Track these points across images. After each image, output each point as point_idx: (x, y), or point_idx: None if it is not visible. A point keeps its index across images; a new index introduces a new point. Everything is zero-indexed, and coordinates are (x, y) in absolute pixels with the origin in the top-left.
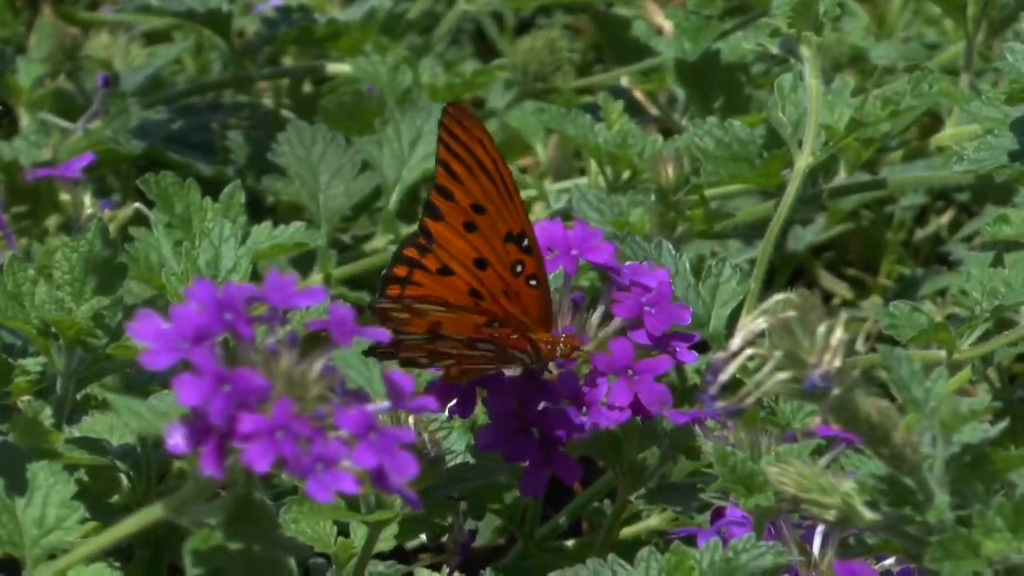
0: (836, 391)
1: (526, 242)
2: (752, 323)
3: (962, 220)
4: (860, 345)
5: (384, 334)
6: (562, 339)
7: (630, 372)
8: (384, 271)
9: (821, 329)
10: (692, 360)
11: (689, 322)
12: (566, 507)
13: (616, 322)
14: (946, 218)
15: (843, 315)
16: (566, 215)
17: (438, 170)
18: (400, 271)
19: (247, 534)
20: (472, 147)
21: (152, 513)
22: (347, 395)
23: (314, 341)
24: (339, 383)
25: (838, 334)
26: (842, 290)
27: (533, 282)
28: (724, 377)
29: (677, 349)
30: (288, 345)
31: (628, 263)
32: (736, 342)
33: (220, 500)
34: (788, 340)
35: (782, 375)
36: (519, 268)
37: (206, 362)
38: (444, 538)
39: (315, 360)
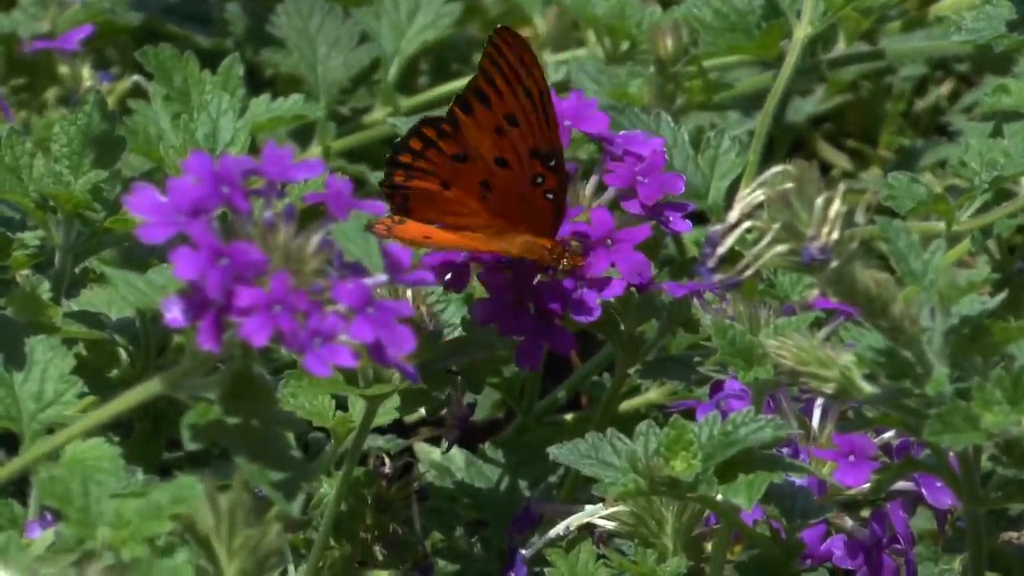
0: (834, 263)
1: (553, 162)
2: (750, 195)
3: (961, 90)
4: (860, 217)
5: (382, 207)
6: (567, 252)
7: (608, 242)
8: (397, 139)
9: (819, 201)
10: (685, 229)
11: (683, 191)
12: (565, 381)
13: (609, 192)
14: (946, 88)
15: (841, 187)
16: (564, 87)
17: (479, 76)
18: (415, 144)
19: (245, 408)
20: (519, 71)
21: (150, 388)
22: (345, 269)
23: (312, 214)
24: (337, 257)
25: (836, 206)
26: (842, 161)
27: (550, 196)
28: (722, 250)
29: (670, 218)
30: (285, 219)
31: (623, 132)
32: (734, 214)
33: (218, 374)
34: (786, 212)
35: (780, 247)
36: (539, 180)
37: (203, 236)
38: (443, 412)
39: (313, 234)
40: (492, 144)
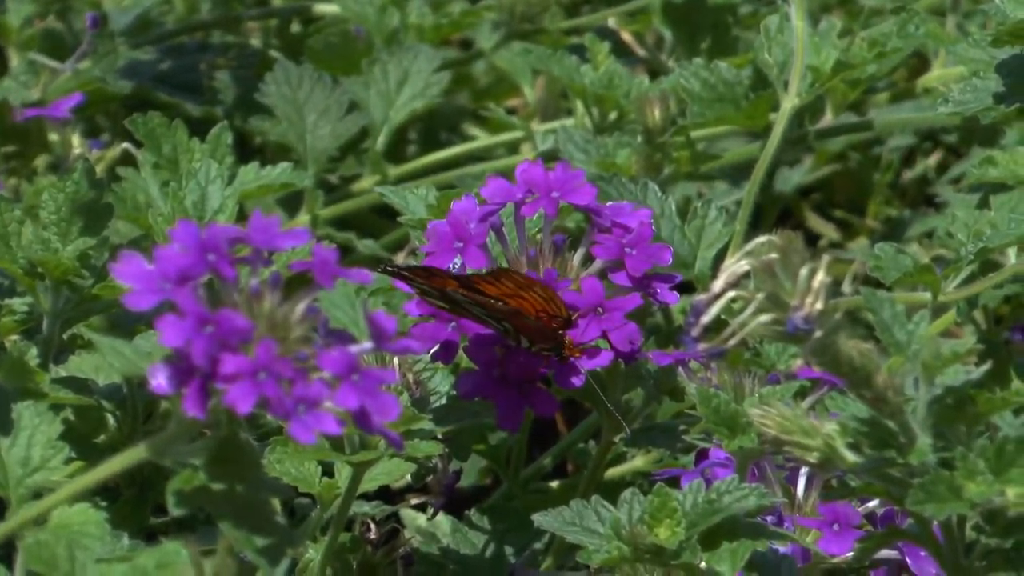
0: (818, 333)
1: (561, 319)
2: (735, 265)
3: (950, 161)
4: (847, 286)
5: (367, 275)
6: (567, 342)
7: (600, 310)
8: (407, 264)
9: (803, 271)
10: (673, 301)
11: (670, 262)
12: (551, 448)
13: (597, 264)
14: (934, 159)
15: (826, 257)
16: (552, 156)
17: (488, 275)
18: (421, 275)
19: (230, 475)
20: (531, 283)
21: (135, 454)
22: (330, 336)
23: (298, 282)
24: (322, 324)
25: (820, 276)
26: (829, 231)
27: (555, 324)
28: (706, 319)
29: (658, 290)
30: (271, 286)
31: (610, 203)
32: (718, 284)
33: (203, 441)
34: (770, 282)
35: (764, 317)
36: (545, 317)
37: (189, 303)
38: (429, 479)
39: (298, 301)
40: (498, 292)
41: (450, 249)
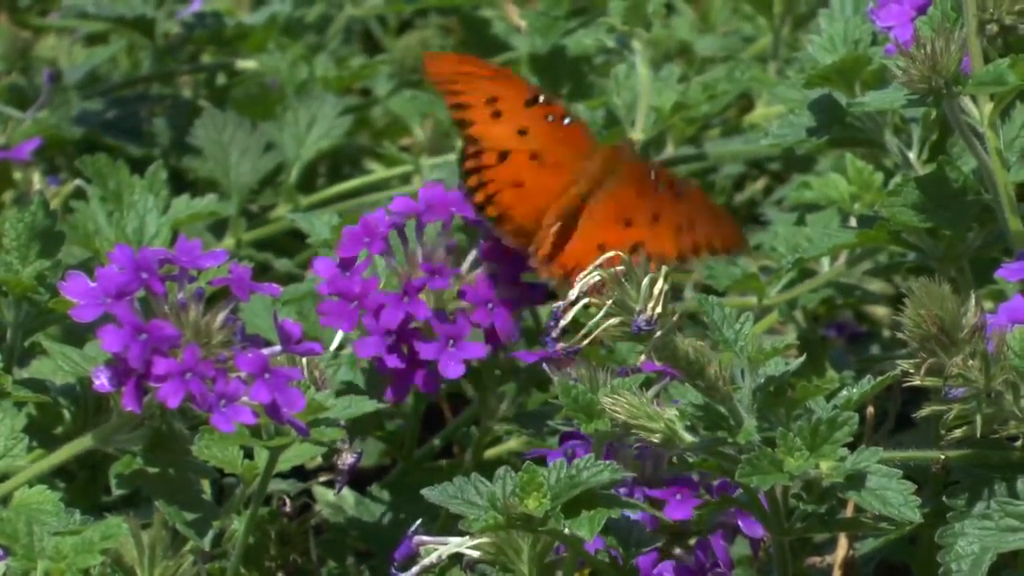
0: (658, 333)
1: (541, 98)
2: (588, 277)
3: (774, 186)
4: (688, 293)
5: (277, 289)
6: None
7: (490, 305)
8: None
9: (645, 281)
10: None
11: None
12: (439, 432)
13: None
14: (760, 184)
15: (664, 269)
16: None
17: (448, 105)
18: (472, 182)
19: (163, 459)
20: (461, 70)
21: (83, 443)
22: (246, 341)
23: (220, 295)
24: (239, 330)
25: (660, 285)
26: None
27: (567, 120)
28: (563, 323)
29: (534, 295)
30: (195, 299)
31: None
32: (573, 293)
33: (141, 430)
34: (618, 290)
35: (614, 320)
36: (550, 117)
37: (126, 315)
38: (335, 459)
39: (219, 312)
40: (503, 128)
41: (359, 242)
